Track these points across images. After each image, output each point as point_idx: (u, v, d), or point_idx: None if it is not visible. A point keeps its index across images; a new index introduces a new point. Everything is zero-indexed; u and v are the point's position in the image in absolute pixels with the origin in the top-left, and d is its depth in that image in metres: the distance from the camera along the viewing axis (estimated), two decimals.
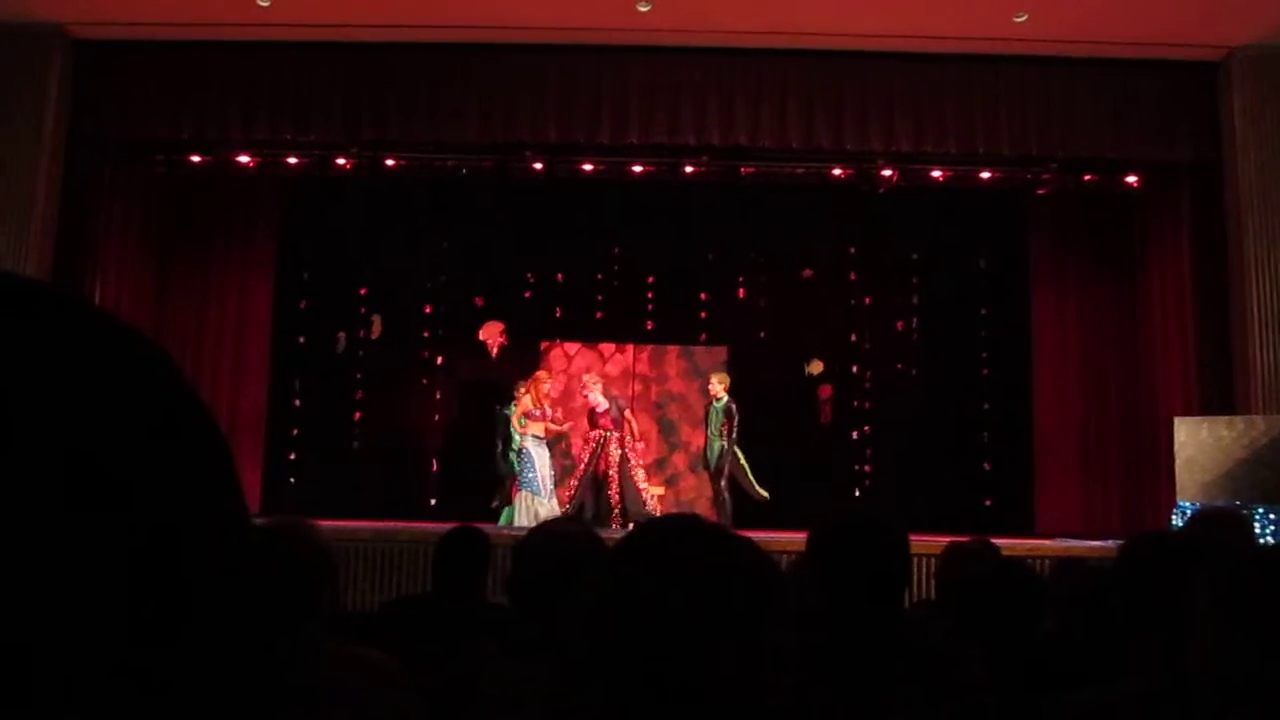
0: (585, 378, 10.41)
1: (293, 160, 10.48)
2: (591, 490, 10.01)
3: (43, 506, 0.39)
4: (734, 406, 10.12)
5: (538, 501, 9.61)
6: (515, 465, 9.85)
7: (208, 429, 0.44)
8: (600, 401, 10.09)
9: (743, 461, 10.15)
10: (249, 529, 0.45)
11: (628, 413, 10.35)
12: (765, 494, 10.04)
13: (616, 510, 9.91)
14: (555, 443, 10.24)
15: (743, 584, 0.89)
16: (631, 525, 9.73)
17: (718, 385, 10.17)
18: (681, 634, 0.84)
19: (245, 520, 0.45)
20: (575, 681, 0.88)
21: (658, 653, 0.84)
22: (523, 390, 10.06)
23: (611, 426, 10.11)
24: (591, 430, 10.15)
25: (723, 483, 9.98)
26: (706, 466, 10.19)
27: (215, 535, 0.43)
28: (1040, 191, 10.67)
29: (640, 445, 10.30)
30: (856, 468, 11.50)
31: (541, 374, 10.31)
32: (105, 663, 0.39)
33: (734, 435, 10.02)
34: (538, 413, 9.90)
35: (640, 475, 10.05)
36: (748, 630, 0.86)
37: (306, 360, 11.57)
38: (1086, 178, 10.41)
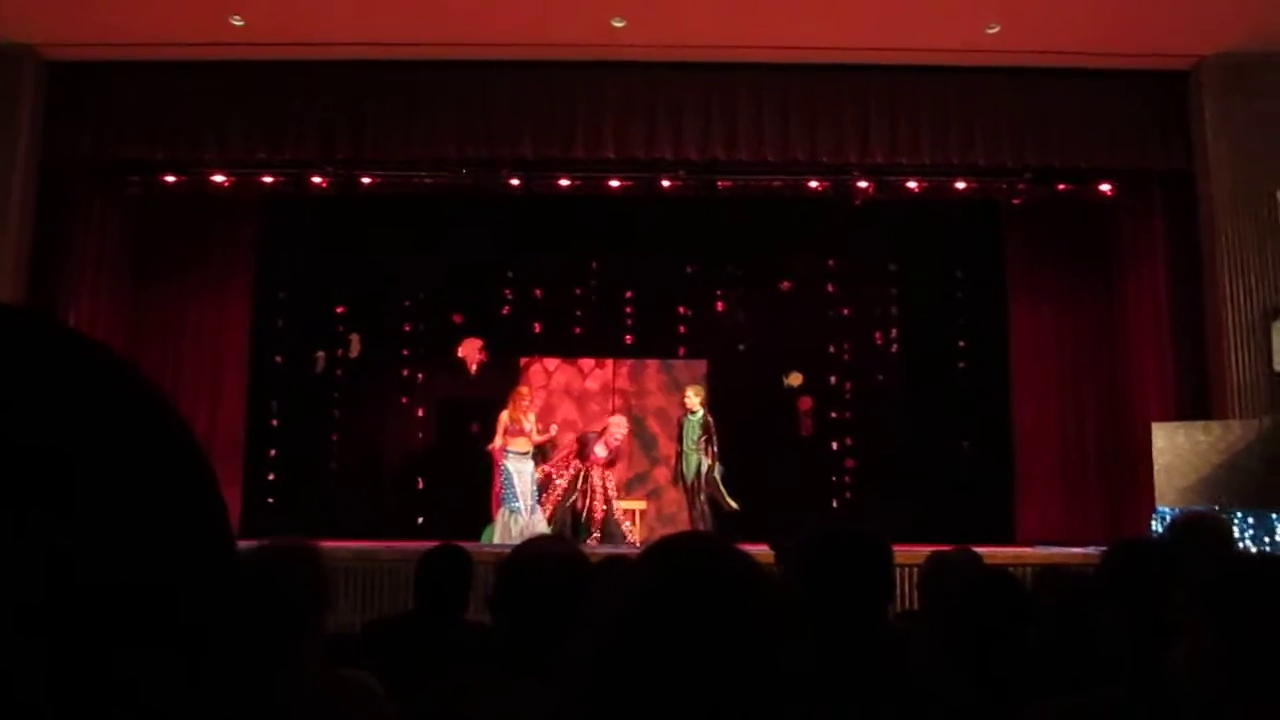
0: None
1: (268, 179, 10.45)
2: (571, 521, 9.99)
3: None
4: (711, 420, 10.14)
5: (519, 518, 9.57)
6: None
7: (184, 445, 0.43)
8: (614, 447, 10.06)
9: (716, 474, 10.17)
10: (230, 547, 0.45)
11: (610, 473, 10.32)
12: (735, 505, 10.06)
13: (597, 531, 9.90)
14: (542, 454, 10.23)
15: (763, 603, 0.88)
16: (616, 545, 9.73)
17: (693, 398, 10.20)
18: (710, 655, 0.83)
19: (226, 537, 0.45)
20: (571, 704, 0.88)
21: (681, 674, 0.83)
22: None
23: (593, 464, 10.09)
24: (575, 459, 10.12)
25: (702, 496, 9.99)
26: (680, 480, 10.20)
27: (190, 552, 0.42)
28: (1015, 201, 10.74)
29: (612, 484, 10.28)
30: (837, 479, 11.53)
31: (519, 388, 10.30)
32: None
33: (716, 449, 10.06)
34: (516, 426, 9.88)
35: (621, 510, 10.09)
36: (766, 653, 0.86)
37: (285, 380, 11.51)
38: (1061, 187, 10.50)
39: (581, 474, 10.07)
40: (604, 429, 10.27)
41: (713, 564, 0.92)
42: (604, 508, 9.94)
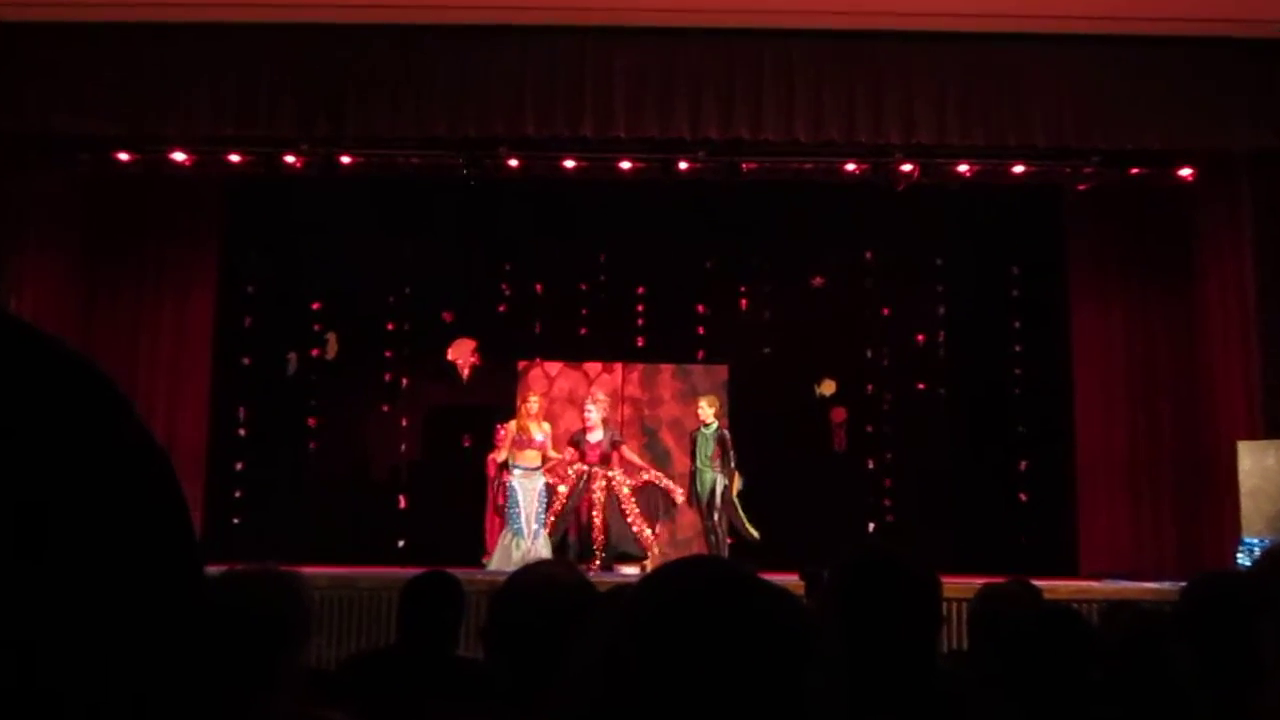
0: (590, 396, 10.46)
1: (236, 159, 10.47)
2: (575, 529, 10.00)
3: None
4: (727, 434, 10.14)
5: (521, 542, 9.57)
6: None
7: (143, 448, 0.43)
8: (596, 426, 10.11)
9: (734, 495, 10.16)
10: (196, 571, 0.44)
11: (625, 449, 10.35)
12: (756, 533, 10.06)
13: (600, 552, 9.90)
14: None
15: (786, 641, 0.87)
16: (619, 567, 9.73)
17: (707, 409, 10.22)
18: (718, 702, 0.82)
19: (192, 559, 0.44)
20: None
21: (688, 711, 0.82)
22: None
23: (598, 461, 10.10)
24: (577, 463, 10.14)
25: (716, 517, 10.01)
26: (695, 501, 10.22)
27: (148, 574, 0.42)
28: (1080, 187, 10.71)
29: (648, 476, 10.27)
30: (874, 500, 11.50)
31: (531, 398, 10.33)
32: None
33: (733, 466, 10.08)
34: (524, 438, 9.88)
35: (635, 513, 10.06)
36: (790, 702, 0.84)
37: (253, 384, 11.53)
38: (1132, 171, 10.46)
39: (584, 476, 10.07)
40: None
41: (725, 594, 0.90)
42: (599, 516, 9.92)
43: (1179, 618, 2.20)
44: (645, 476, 10.26)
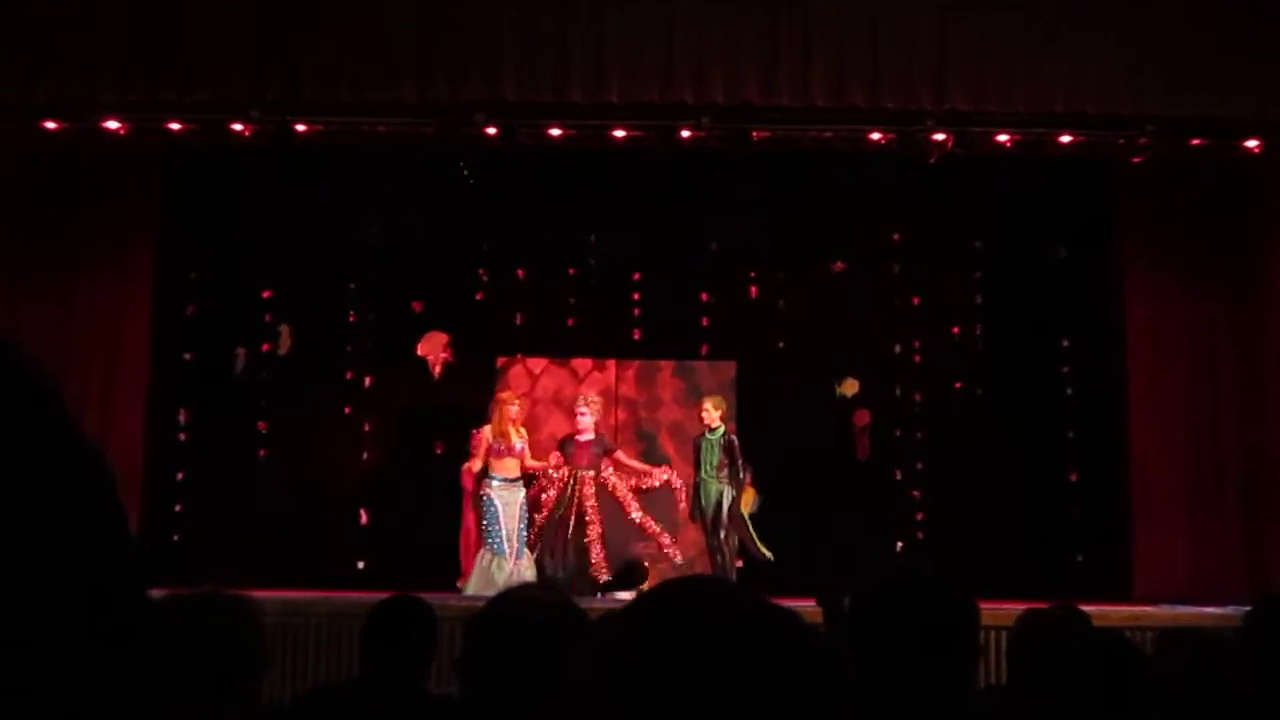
0: (583, 396, 10.46)
1: (176, 127, 10.45)
2: (562, 543, 9.99)
3: None
4: (735, 439, 10.15)
5: (503, 563, 9.57)
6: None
7: (76, 448, 0.43)
8: (588, 428, 10.12)
9: (743, 509, 10.17)
10: (140, 597, 0.45)
11: (620, 454, 10.36)
12: (768, 553, 10.08)
13: (596, 571, 9.91)
14: (532, 481, 10.27)
15: (801, 676, 0.87)
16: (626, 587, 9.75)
17: (712, 412, 10.22)
18: None
19: (129, 576, 0.44)
20: None
21: None
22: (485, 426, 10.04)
23: (587, 464, 10.11)
24: (562, 466, 10.14)
25: (722, 534, 10.03)
26: (699, 514, 10.23)
27: (81, 594, 0.42)
28: (1134, 160, 10.69)
29: (655, 479, 10.30)
30: (903, 516, 11.51)
31: (505, 395, 10.29)
32: None
33: (742, 476, 10.09)
34: (502, 445, 9.87)
35: (643, 512, 10.09)
36: None
37: (196, 383, 11.53)
38: (1194, 142, 10.45)
39: (571, 481, 10.06)
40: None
41: (724, 623, 0.90)
42: (594, 525, 9.92)
43: (1243, 646, 2.22)
44: (647, 481, 10.27)
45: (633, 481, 10.23)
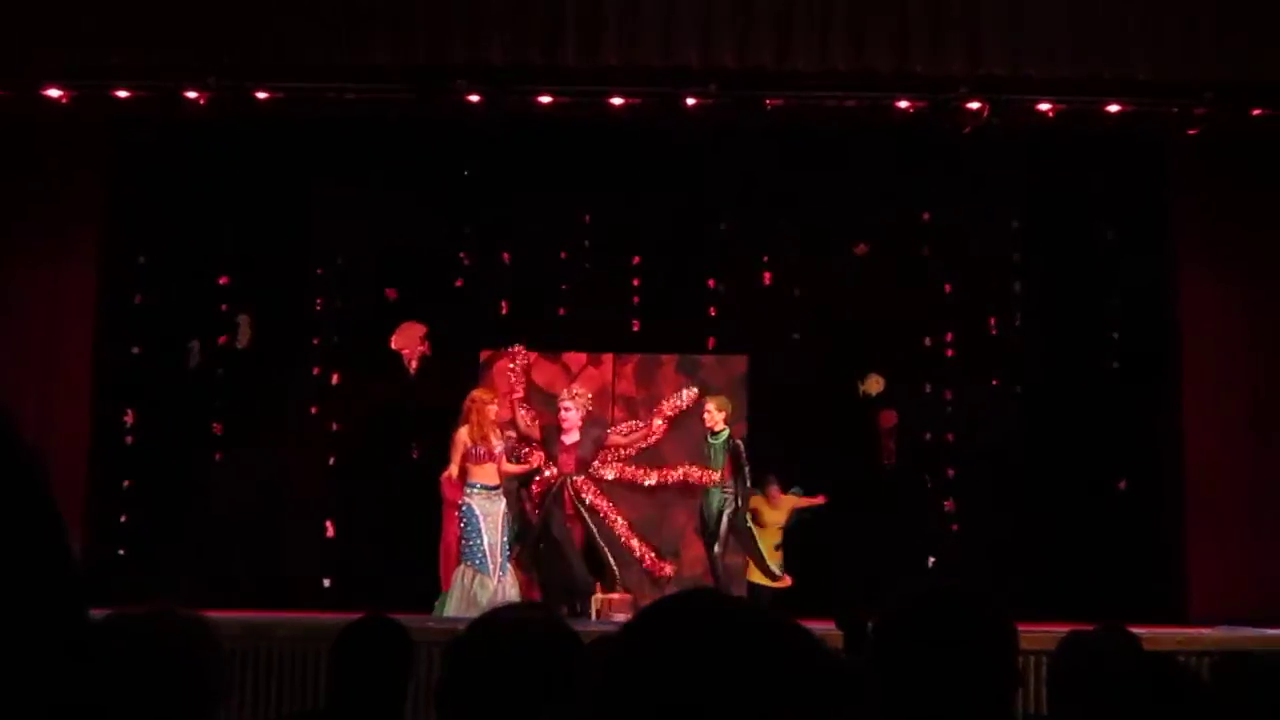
0: (568, 390, 10.46)
1: (124, 94, 10.44)
2: (549, 557, 10.02)
3: None
4: (740, 444, 10.17)
5: (486, 581, 9.58)
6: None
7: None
8: (574, 426, 10.10)
9: (752, 524, 10.18)
10: (80, 618, 0.44)
11: (613, 435, 10.37)
12: (784, 577, 10.11)
13: (591, 588, 9.94)
14: (525, 482, 10.26)
15: (812, 704, 0.87)
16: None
17: (715, 414, 10.26)
18: None
19: (67, 591, 0.44)
20: None
21: None
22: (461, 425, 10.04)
23: (574, 469, 10.11)
24: (544, 469, 10.14)
25: (717, 549, 10.04)
26: (702, 526, 10.28)
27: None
28: (1190, 133, 10.70)
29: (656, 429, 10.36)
30: (934, 527, 11.51)
31: (481, 393, 10.27)
32: None
33: (748, 485, 10.10)
34: (482, 449, 9.87)
35: (627, 530, 10.12)
36: None
37: (145, 379, 11.51)
38: (1255, 112, 10.45)
39: (555, 488, 10.05)
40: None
41: (735, 642, 0.90)
42: (592, 536, 9.95)
43: None
44: (653, 437, 10.30)
45: (640, 442, 10.29)
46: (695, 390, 10.51)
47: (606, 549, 10.11)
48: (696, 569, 10.79)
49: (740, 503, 10.15)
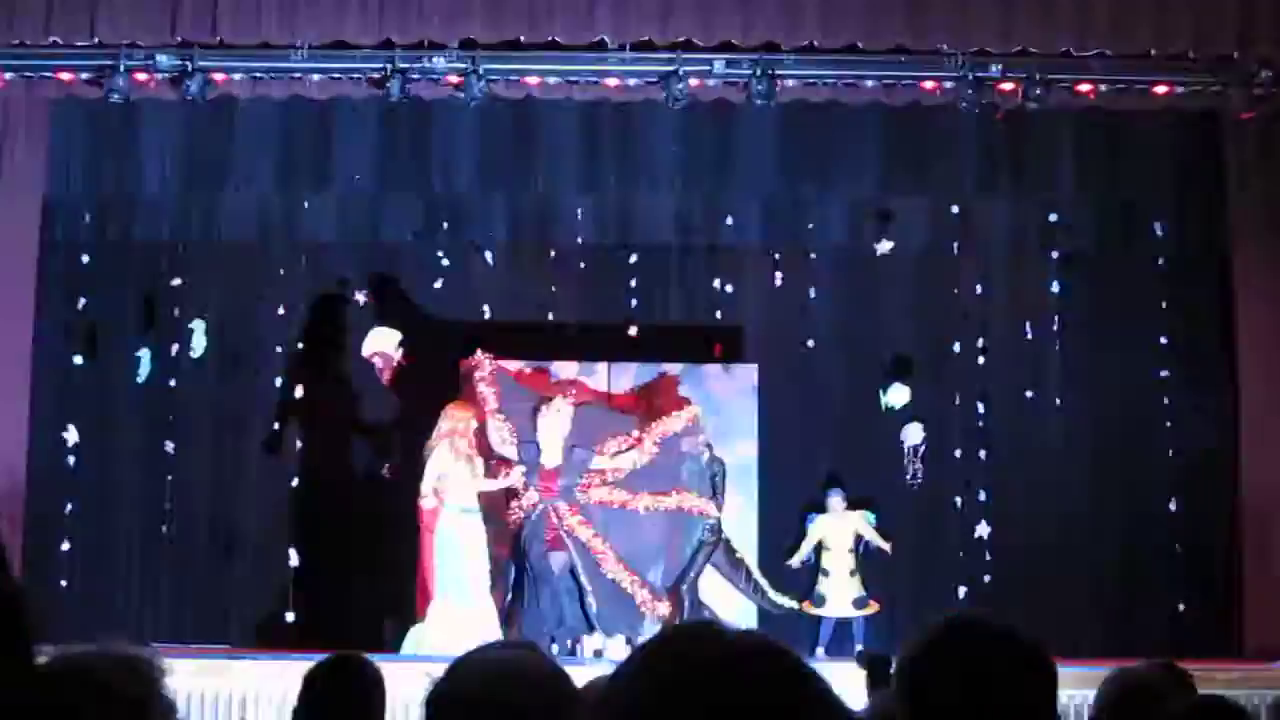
0: (547, 405, 10.32)
1: (66, 77, 10.45)
2: (534, 590, 10.01)
3: None
4: (722, 463, 10.18)
5: (462, 612, 9.57)
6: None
7: None
8: (554, 444, 10.04)
9: (741, 553, 10.17)
10: (22, 653, 0.45)
11: (600, 455, 10.32)
12: (786, 601, 10.12)
13: (574, 624, 9.95)
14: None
15: None
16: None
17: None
18: None
19: (12, 629, 0.45)
20: None
21: None
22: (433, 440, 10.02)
23: (557, 494, 10.06)
24: (521, 493, 10.10)
25: (684, 587, 10.03)
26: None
27: None
28: (1245, 116, 10.70)
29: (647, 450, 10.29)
30: (966, 555, 11.49)
31: (459, 408, 10.23)
32: None
33: (720, 508, 10.14)
34: (463, 469, 9.86)
35: (614, 562, 10.06)
36: None
37: (88, 393, 11.51)
38: None
39: (534, 515, 10.02)
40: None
41: (736, 684, 0.90)
42: (568, 560, 9.93)
43: None
44: (643, 458, 10.23)
45: (629, 464, 10.20)
46: (697, 410, 10.40)
47: (590, 584, 10.03)
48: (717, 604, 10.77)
49: (717, 536, 10.14)
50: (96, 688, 1.99)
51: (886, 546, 10.76)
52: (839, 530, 10.65)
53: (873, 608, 10.56)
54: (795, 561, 10.80)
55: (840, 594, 10.63)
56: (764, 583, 10.31)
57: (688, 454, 10.20)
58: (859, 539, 10.72)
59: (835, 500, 10.65)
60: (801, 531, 10.98)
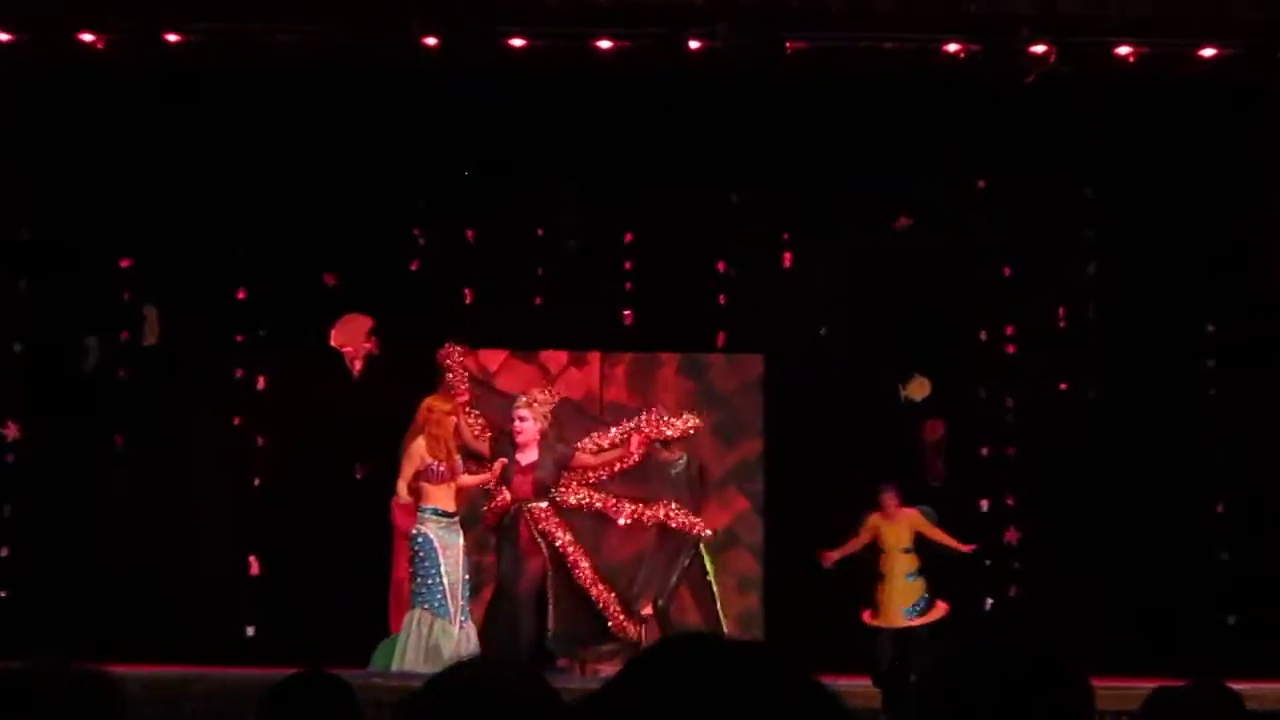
0: (525, 397, 10.26)
1: (5, 38, 10.44)
2: (510, 602, 10.02)
3: None
4: (703, 468, 10.19)
5: (445, 626, 9.58)
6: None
7: None
8: (531, 442, 10.02)
9: (710, 573, 10.17)
10: None
11: (582, 454, 10.30)
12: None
13: (560, 641, 9.95)
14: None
15: None
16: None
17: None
18: None
19: None
20: None
21: None
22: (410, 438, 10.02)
23: (531, 494, 10.04)
24: (497, 496, 10.10)
25: (660, 603, 10.02)
26: None
27: None
28: None
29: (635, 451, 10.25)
30: (992, 561, 11.51)
31: (438, 401, 10.23)
32: None
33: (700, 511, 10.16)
34: (441, 467, 9.85)
35: (591, 578, 10.06)
36: None
37: (30, 385, 11.52)
38: None
39: (508, 518, 10.01)
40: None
41: (737, 701, 0.90)
42: (548, 576, 9.93)
43: None
44: (629, 459, 10.19)
45: (613, 464, 10.16)
46: (696, 421, 10.30)
47: (554, 602, 9.99)
48: (687, 622, 10.73)
49: (698, 554, 10.16)
50: (34, 710, 1.99)
51: (960, 546, 10.65)
52: (893, 530, 10.59)
53: (935, 613, 10.48)
54: (830, 561, 10.67)
55: (896, 601, 10.54)
56: (723, 615, 10.23)
57: (668, 462, 10.14)
58: (918, 538, 10.63)
59: (888, 497, 10.58)
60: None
